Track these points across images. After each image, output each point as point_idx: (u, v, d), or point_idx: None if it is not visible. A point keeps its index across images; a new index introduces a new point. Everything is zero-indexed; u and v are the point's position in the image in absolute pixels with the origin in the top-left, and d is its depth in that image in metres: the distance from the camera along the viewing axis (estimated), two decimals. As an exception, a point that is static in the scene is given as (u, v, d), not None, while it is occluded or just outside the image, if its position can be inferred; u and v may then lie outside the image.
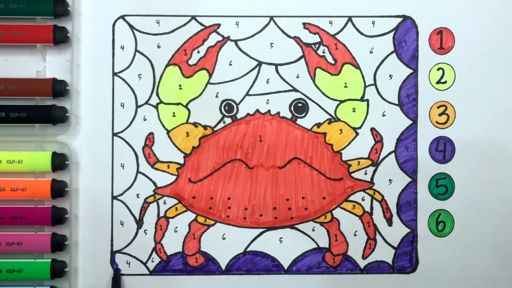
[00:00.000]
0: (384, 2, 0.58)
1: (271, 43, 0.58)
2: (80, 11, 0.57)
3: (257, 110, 0.58)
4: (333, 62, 0.58)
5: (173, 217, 0.58)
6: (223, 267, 0.58)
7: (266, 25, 0.58)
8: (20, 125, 0.56)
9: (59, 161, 0.56)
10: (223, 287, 0.58)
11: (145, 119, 0.58)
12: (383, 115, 0.58)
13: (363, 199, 0.58)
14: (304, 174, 0.58)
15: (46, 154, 0.56)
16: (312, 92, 0.58)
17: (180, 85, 0.58)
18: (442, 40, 0.58)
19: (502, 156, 0.58)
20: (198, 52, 0.58)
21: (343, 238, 0.58)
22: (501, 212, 0.59)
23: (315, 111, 0.58)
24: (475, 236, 0.59)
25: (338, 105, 0.58)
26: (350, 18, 0.58)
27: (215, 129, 0.58)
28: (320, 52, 0.58)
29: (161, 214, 0.58)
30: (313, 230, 0.58)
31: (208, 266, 0.58)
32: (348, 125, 0.58)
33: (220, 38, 0.58)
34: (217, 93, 0.58)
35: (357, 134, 0.58)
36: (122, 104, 0.58)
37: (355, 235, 0.58)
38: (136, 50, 0.58)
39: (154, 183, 0.58)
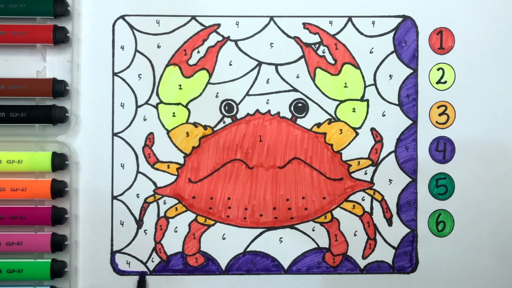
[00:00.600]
0: (384, 2, 0.58)
1: (271, 43, 0.58)
2: (80, 11, 0.57)
3: (257, 110, 0.58)
4: (333, 62, 0.58)
5: (173, 217, 0.58)
6: (223, 267, 0.58)
7: (266, 25, 0.58)
8: (20, 125, 0.56)
9: (59, 161, 0.56)
10: (223, 287, 0.58)
11: (145, 119, 0.58)
12: (383, 115, 0.58)
13: (363, 199, 0.58)
14: (304, 174, 0.58)
15: (46, 154, 0.56)
16: (312, 92, 0.58)
17: (180, 85, 0.58)
18: (442, 40, 0.58)
19: (502, 156, 0.58)
20: (198, 52, 0.58)
21: (343, 238, 0.58)
22: (501, 212, 0.59)
23: (315, 111, 0.58)
24: (475, 236, 0.59)
25: (338, 105, 0.58)
26: (350, 18, 0.58)
27: (215, 129, 0.58)
28: (320, 52, 0.58)
29: (161, 214, 0.58)
30: (313, 230, 0.58)
31: (208, 266, 0.58)
32: (348, 125, 0.58)
33: (220, 38, 0.58)
34: (217, 93, 0.58)
35: (357, 134, 0.58)
36: (122, 104, 0.58)
37: (355, 235, 0.58)
38: (136, 50, 0.58)
39: (154, 183, 0.58)
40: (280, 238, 0.58)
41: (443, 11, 0.58)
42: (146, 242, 0.58)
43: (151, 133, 0.58)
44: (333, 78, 0.58)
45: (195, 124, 0.58)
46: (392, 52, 0.58)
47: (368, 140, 0.58)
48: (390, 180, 0.58)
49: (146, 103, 0.58)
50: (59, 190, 0.56)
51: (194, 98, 0.58)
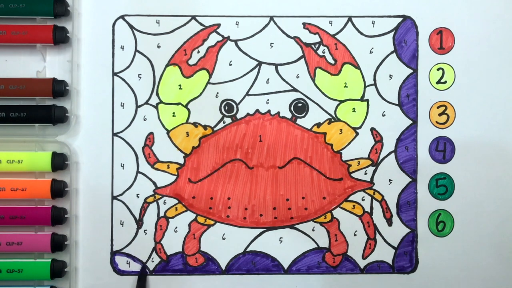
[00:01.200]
0: (384, 2, 0.58)
1: (271, 43, 0.58)
2: (80, 11, 0.57)
3: (257, 110, 0.58)
4: (333, 62, 0.58)
5: (173, 217, 0.58)
6: (223, 267, 0.58)
7: (266, 25, 0.58)
8: (20, 125, 0.56)
9: (59, 161, 0.56)
10: (223, 287, 0.58)
11: (145, 119, 0.58)
12: (383, 115, 0.58)
13: (363, 199, 0.58)
14: (304, 174, 0.58)
15: (46, 154, 0.56)
16: (312, 92, 0.58)
17: (180, 85, 0.58)
18: (442, 40, 0.58)
19: (502, 156, 0.58)
20: (198, 52, 0.58)
21: (343, 238, 0.58)
22: (501, 212, 0.59)
23: (315, 111, 0.58)
24: (475, 236, 0.59)
25: (338, 105, 0.58)
26: (350, 18, 0.58)
27: (215, 129, 0.58)
28: (320, 52, 0.58)
29: (161, 214, 0.58)
30: (313, 230, 0.58)
31: (208, 266, 0.58)
32: (348, 125, 0.58)
33: (220, 38, 0.58)
34: (217, 93, 0.58)
35: (357, 134, 0.58)
36: (122, 104, 0.58)
37: (355, 235, 0.58)
38: (136, 50, 0.58)
39: (154, 183, 0.58)
40: (280, 238, 0.58)
41: (443, 11, 0.58)
42: (146, 242, 0.58)
43: (151, 133, 0.58)
44: (333, 78, 0.58)
45: (195, 124, 0.58)
46: (392, 52, 0.58)
47: (368, 140, 0.58)
48: (390, 180, 0.58)
49: (146, 103, 0.58)
50: (59, 190, 0.56)
51: (194, 98, 0.58)
